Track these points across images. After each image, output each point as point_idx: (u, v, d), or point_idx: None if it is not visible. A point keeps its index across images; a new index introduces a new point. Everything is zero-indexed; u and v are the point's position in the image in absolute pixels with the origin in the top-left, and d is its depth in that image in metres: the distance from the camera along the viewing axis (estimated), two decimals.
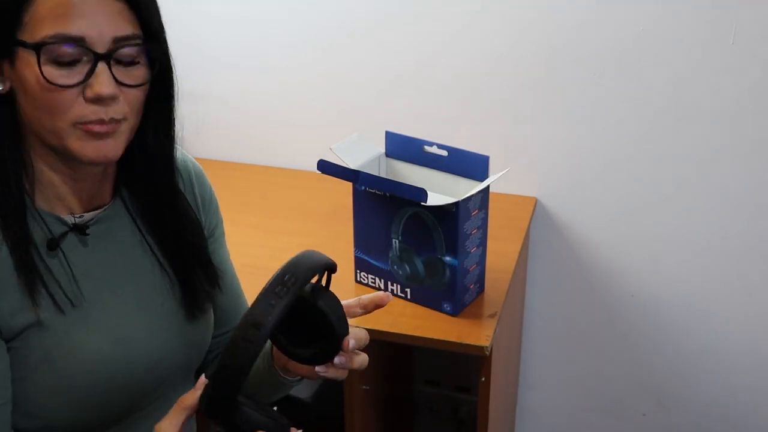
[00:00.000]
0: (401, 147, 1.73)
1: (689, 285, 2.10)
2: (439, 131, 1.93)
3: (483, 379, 1.66)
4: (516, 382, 2.32)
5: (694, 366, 2.19)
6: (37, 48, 0.97)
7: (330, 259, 1.01)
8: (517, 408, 2.39)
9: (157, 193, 1.17)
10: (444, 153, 1.67)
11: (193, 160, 1.29)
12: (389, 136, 1.74)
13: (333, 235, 1.91)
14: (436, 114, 2.11)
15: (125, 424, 1.18)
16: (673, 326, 2.16)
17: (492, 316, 1.65)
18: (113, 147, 1.04)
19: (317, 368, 1.07)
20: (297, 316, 1.00)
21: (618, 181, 2.06)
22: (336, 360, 1.05)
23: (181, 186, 1.22)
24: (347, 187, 1.66)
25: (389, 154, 1.75)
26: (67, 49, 0.98)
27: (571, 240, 2.14)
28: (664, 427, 2.27)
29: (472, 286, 1.67)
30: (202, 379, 0.98)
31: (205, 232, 1.26)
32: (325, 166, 1.61)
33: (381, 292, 1.13)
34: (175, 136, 1.16)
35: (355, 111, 2.17)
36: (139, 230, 1.18)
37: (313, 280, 1.00)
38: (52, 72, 0.98)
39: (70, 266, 1.09)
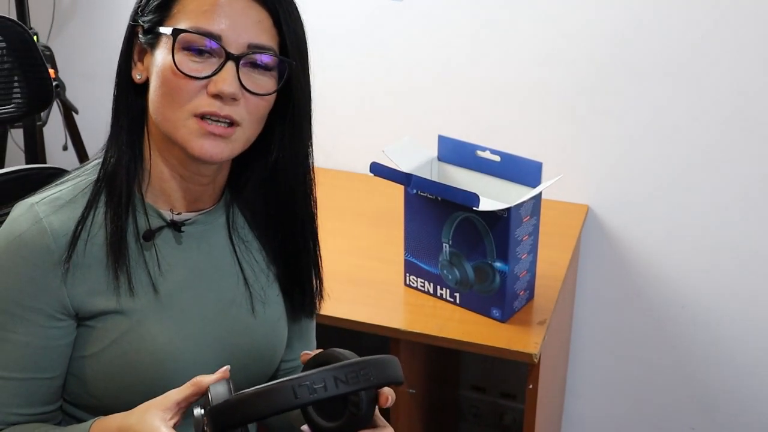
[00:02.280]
0: (454, 151, 1.73)
1: (743, 296, 2.07)
2: (492, 136, 1.93)
3: (530, 386, 1.65)
4: (563, 391, 2.30)
5: (746, 380, 2.15)
6: (175, 33, 1.03)
7: (402, 377, 1.01)
8: (563, 416, 2.37)
9: (283, 215, 1.21)
10: (497, 158, 1.67)
11: None
12: (442, 140, 1.74)
13: (383, 237, 1.92)
14: (490, 119, 2.11)
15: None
16: (725, 338, 2.13)
17: (541, 323, 1.64)
18: (221, 150, 1.06)
19: None
20: None
21: (671, 191, 2.04)
22: None
23: None
24: (399, 190, 1.67)
25: (441, 158, 1.75)
26: (204, 42, 1.03)
27: (622, 249, 2.13)
28: None
29: (521, 293, 1.66)
30: (226, 368, 1.00)
31: None
32: (377, 169, 1.62)
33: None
34: (311, 161, 1.19)
35: (408, 114, 2.18)
36: (231, 241, 1.20)
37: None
38: (183, 60, 1.03)
39: (159, 259, 1.13)
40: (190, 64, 1.04)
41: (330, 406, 1.03)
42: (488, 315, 1.65)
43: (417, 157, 1.71)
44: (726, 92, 1.92)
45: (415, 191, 1.64)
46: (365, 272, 1.81)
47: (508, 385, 2.37)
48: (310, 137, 1.18)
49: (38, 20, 2.40)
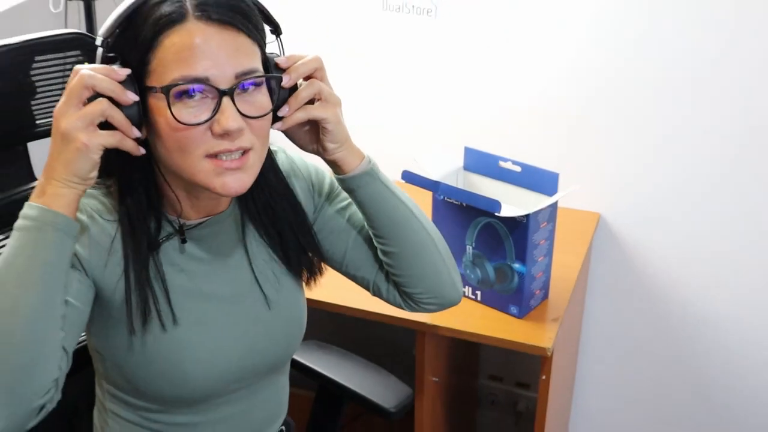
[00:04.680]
0: (478, 161, 1.79)
1: (751, 299, 2.07)
2: (513, 148, 1.94)
3: (543, 377, 1.70)
4: (572, 383, 2.33)
5: (756, 381, 2.15)
6: (166, 90, 1.00)
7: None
8: (572, 406, 2.40)
9: (265, 191, 1.20)
10: (517, 169, 1.73)
11: (291, 156, 1.30)
12: (468, 151, 1.80)
13: None
14: (512, 132, 2.11)
15: (207, 405, 1.23)
16: (732, 340, 2.12)
17: (555, 320, 1.70)
18: (243, 181, 1.06)
19: (274, 125, 1.11)
20: None
21: (680, 202, 2.04)
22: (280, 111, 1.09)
23: (300, 183, 1.27)
24: (427, 195, 1.71)
25: (467, 167, 1.81)
26: (193, 89, 1.01)
27: (630, 254, 2.13)
28: None
29: (537, 292, 1.73)
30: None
31: (326, 204, 1.29)
32: (408, 176, 1.67)
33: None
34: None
35: (438, 126, 2.19)
36: (243, 236, 1.21)
37: None
38: (180, 112, 1.01)
39: (163, 271, 1.14)
40: (186, 112, 1.01)
41: None
42: (506, 312, 1.71)
43: (445, 166, 1.77)
44: (742, 104, 1.90)
45: (442, 197, 1.70)
46: None
47: (523, 375, 2.40)
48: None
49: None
